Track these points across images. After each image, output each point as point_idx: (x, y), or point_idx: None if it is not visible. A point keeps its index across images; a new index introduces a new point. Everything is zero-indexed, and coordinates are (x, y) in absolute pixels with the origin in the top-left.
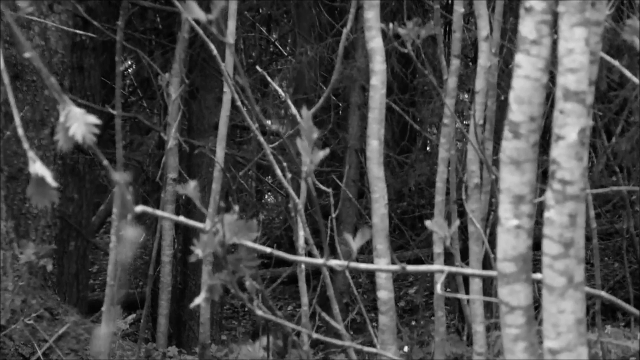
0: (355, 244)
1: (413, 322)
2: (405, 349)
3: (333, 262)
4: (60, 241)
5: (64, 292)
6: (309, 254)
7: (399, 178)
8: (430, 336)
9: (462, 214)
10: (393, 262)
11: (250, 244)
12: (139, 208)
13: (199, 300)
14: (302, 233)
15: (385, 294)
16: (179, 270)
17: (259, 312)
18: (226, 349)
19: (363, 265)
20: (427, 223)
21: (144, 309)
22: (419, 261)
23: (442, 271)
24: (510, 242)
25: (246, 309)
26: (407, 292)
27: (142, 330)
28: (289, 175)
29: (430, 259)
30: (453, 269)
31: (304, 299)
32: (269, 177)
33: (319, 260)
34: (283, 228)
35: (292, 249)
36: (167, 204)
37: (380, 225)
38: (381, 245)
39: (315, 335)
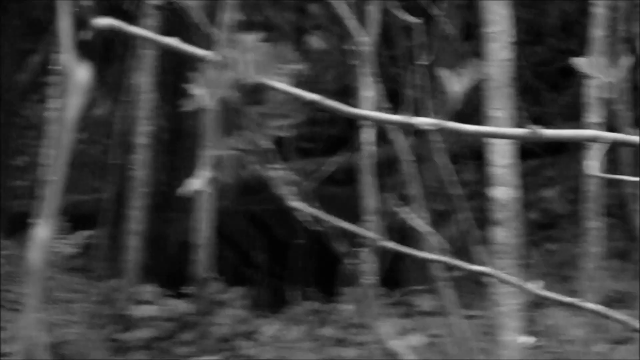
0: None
1: (550, 245)
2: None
3: (421, 120)
4: None
5: None
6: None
7: (533, 9)
8: (574, 265)
9: None
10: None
11: (283, 85)
12: (103, 21)
13: (196, 184)
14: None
15: (503, 192)
16: (159, 154)
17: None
18: (242, 289)
19: (468, 127)
20: (576, 61)
21: (101, 222)
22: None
23: (595, 140)
24: None
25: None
26: (540, 197)
27: (99, 257)
28: None
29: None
30: (614, 135)
31: (369, 202)
32: None
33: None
34: (336, 76)
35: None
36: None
37: (500, 79)
38: (502, 112)
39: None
